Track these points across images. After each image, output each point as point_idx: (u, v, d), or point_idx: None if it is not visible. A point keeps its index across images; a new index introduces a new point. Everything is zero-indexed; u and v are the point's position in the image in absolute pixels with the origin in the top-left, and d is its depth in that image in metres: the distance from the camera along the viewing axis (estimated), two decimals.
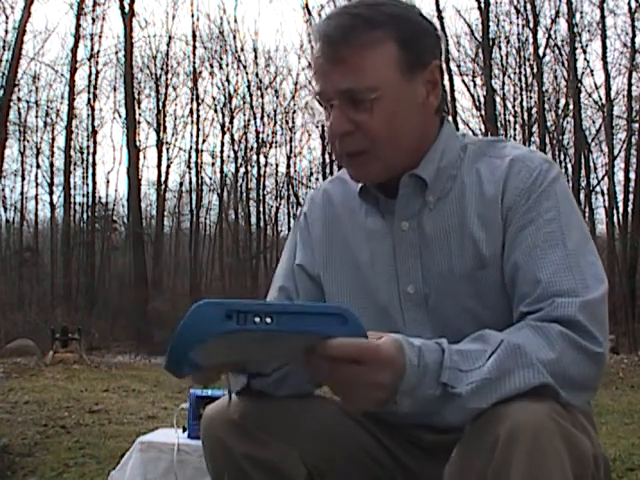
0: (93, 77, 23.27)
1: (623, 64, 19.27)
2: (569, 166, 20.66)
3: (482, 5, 19.84)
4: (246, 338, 0.96)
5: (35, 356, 11.88)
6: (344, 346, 0.96)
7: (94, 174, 23.70)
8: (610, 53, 19.54)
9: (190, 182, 24.04)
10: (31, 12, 19.78)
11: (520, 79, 21.57)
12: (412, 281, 1.26)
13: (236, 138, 23.22)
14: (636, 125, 18.67)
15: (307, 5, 21.54)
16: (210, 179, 24.05)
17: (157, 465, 2.72)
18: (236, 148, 23.05)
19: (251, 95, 23.01)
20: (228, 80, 23.22)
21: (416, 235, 1.26)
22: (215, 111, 23.63)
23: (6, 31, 21.22)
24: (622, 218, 18.84)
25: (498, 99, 21.06)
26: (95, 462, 4.22)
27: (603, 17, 18.82)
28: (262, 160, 22.94)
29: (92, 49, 23.13)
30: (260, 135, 22.92)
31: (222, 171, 23.40)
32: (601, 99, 19.45)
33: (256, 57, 23.29)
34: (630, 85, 18.86)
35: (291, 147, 23.00)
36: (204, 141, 24.20)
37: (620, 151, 19.00)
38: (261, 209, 23.05)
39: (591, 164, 19.91)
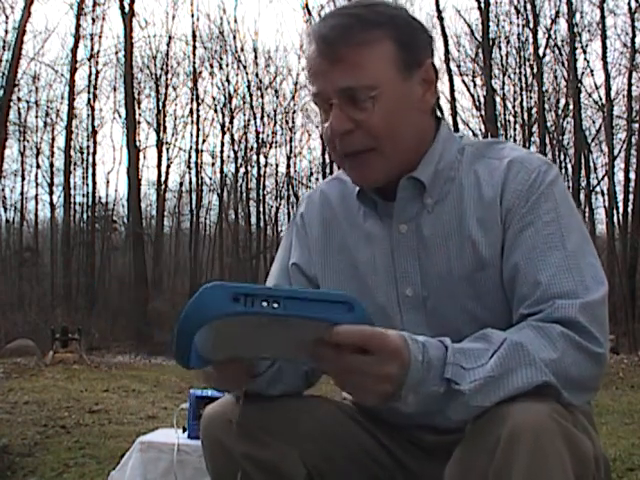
0: (93, 77, 23.32)
1: (623, 64, 19.30)
2: (569, 166, 20.68)
3: (482, 5, 19.85)
4: (251, 325, 0.95)
5: (35, 356, 11.88)
6: (350, 333, 0.95)
7: (94, 174, 23.76)
8: (610, 53, 19.61)
9: (190, 182, 24.10)
10: (31, 12, 19.81)
11: (520, 79, 21.59)
12: (410, 284, 1.26)
13: (236, 138, 23.25)
14: (636, 125, 18.68)
15: (307, 5, 21.59)
16: (210, 179, 24.09)
17: (157, 465, 2.71)
18: (236, 148, 23.08)
19: (251, 95, 23.04)
20: (228, 80, 23.25)
21: (414, 238, 1.26)
22: (215, 111, 23.67)
23: (6, 31, 21.28)
24: (622, 218, 18.85)
25: (498, 99, 21.09)
26: (95, 462, 4.22)
27: (603, 17, 18.84)
28: (262, 160, 22.99)
29: (92, 49, 23.18)
30: (260, 135, 22.95)
31: (222, 171, 23.44)
32: (601, 99, 19.48)
33: (256, 57, 23.34)
34: (630, 85, 18.88)
35: (291, 147, 23.04)
36: (204, 141, 24.24)
37: (620, 151, 19.02)
38: (261, 209, 23.09)
39: (591, 164, 19.93)
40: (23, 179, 23.49)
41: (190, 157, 23.73)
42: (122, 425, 5.66)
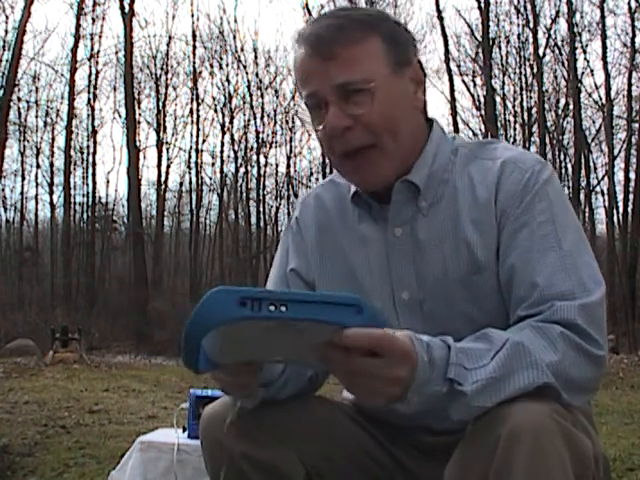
0: (93, 77, 23.31)
1: (623, 64, 19.29)
2: (569, 166, 20.68)
3: (482, 5, 19.85)
4: (259, 329, 0.95)
5: (35, 356, 11.88)
6: (359, 336, 0.94)
7: (94, 174, 23.75)
8: (610, 53, 19.56)
9: (190, 182, 24.09)
10: (31, 12, 19.80)
11: (520, 79, 21.59)
12: (406, 287, 1.26)
13: (236, 138, 23.24)
14: (636, 125, 18.67)
15: (307, 5, 21.57)
16: (210, 179, 24.08)
17: (157, 465, 2.72)
18: (236, 148, 23.07)
19: (251, 95, 23.02)
20: (228, 80, 23.24)
21: (410, 241, 1.26)
22: (215, 111, 23.66)
23: (6, 31, 21.26)
24: (622, 218, 18.84)
25: (498, 99, 21.09)
26: (95, 462, 4.22)
27: (603, 17, 18.84)
28: (262, 160, 22.97)
29: (92, 49, 23.17)
30: (260, 135, 22.93)
31: (222, 171, 23.43)
32: (601, 99, 19.47)
33: (256, 57, 23.30)
34: (630, 85, 18.87)
35: (291, 147, 23.03)
36: (204, 141, 24.22)
37: (620, 151, 19.01)
38: (261, 209, 23.08)
39: (591, 164, 19.92)
40: (23, 179, 23.52)
41: (190, 157, 23.76)
42: (122, 425, 5.66)
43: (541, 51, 20.03)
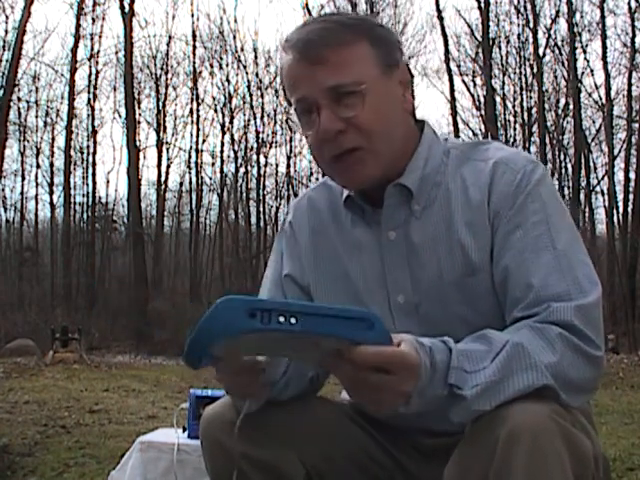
0: (93, 77, 23.30)
1: (623, 64, 19.30)
2: (569, 166, 20.68)
3: (482, 5, 19.86)
4: (266, 337, 0.94)
5: (35, 356, 11.88)
6: (370, 355, 0.94)
7: (94, 174, 23.74)
8: (610, 53, 19.54)
9: (190, 182, 24.08)
10: (31, 12, 19.80)
11: (520, 79, 21.58)
12: (401, 290, 1.26)
13: (236, 138, 23.23)
14: (636, 125, 18.68)
15: (307, 5, 21.59)
16: (210, 179, 24.08)
17: (157, 465, 2.72)
18: (236, 148, 23.06)
19: (251, 95, 23.02)
20: (228, 80, 23.23)
21: (404, 244, 1.26)
22: (215, 111, 23.65)
23: (6, 31, 21.25)
24: (622, 218, 18.84)
25: (498, 99, 21.09)
26: (95, 462, 4.22)
27: (603, 17, 18.85)
28: (262, 160, 22.96)
29: (92, 49, 23.16)
30: (260, 135, 22.93)
31: (222, 171, 23.42)
32: (601, 99, 19.47)
33: (256, 57, 23.29)
34: (630, 85, 18.88)
35: (291, 147, 23.01)
36: (204, 141, 24.20)
37: (620, 151, 19.02)
38: (261, 209, 23.08)
39: (591, 164, 19.92)
40: (23, 179, 23.51)
41: (190, 157, 23.75)
42: (122, 425, 5.66)
43: (541, 51, 20.06)
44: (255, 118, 22.87)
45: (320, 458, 1.25)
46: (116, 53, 23.08)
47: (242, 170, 23.13)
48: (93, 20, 23.02)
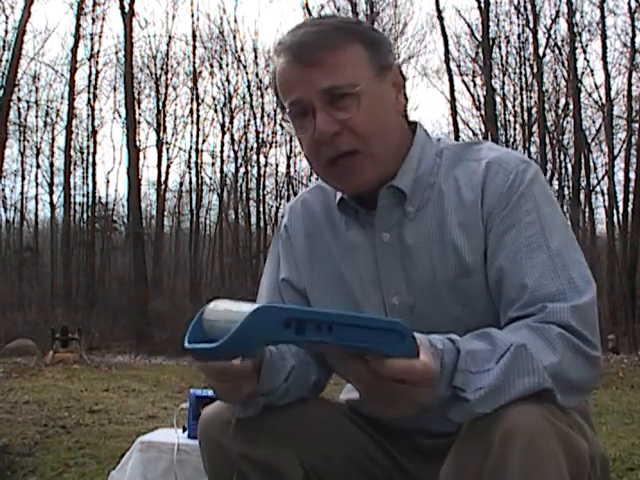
0: (93, 77, 23.30)
1: (623, 64, 19.30)
2: (569, 166, 20.68)
3: (482, 5, 19.86)
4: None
5: (35, 356, 11.88)
6: (399, 369, 0.93)
7: (94, 174, 23.74)
8: (610, 53, 19.54)
9: (190, 182, 24.08)
10: (31, 12, 19.80)
11: (520, 79, 21.58)
12: (396, 292, 1.26)
13: (236, 138, 23.23)
14: (636, 125, 18.68)
15: (307, 5, 21.63)
16: (210, 179, 24.08)
17: (157, 465, 2.72)
18: (236, 148, 23.06)
19: (251, 95, 23.03)
20: (228, 80, 23.23)
21: (397, 246, 1.26)
22: (215, 111, 23.65)
23: (6, 31, 21.25)
24: (622, 218, 18.85)
25: (498, 99, 21.09)
26: (95, 462, 4.22)
27: (603, 17, 18.86)
28: (262, 160, 22.96)
29: (92, 49, 23.16)
30: (260, 135, 22.93)
31: (222, 171, 23.42)
32: (601, 99, 19.48)
33: (256, 57, 23.30)
34: (630, 85, 18.89)
35: (291, 147, 23.00)
36: (204, 141, 24.20)
37: (620, 151, 19.02)
38: (261, 209, 23.08)
39: (591, 164, 19.92)
40: (23, 179, 23.51)
41: (190, 157, 23.75)
42: (122, 425, 5.66)
43: (541, 51, 20.06)
44: (255, 118, 22.90)
45: (319, 458, 1.25)
46: (116, 53, 23.11)
47: (242, 170, 23.15)
48: (93, 20, 23.04)
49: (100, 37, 23.23)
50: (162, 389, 8.33)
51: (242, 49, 23.38)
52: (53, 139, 23.65)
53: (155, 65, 23.67)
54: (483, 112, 20.68)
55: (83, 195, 23.68)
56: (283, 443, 1.22)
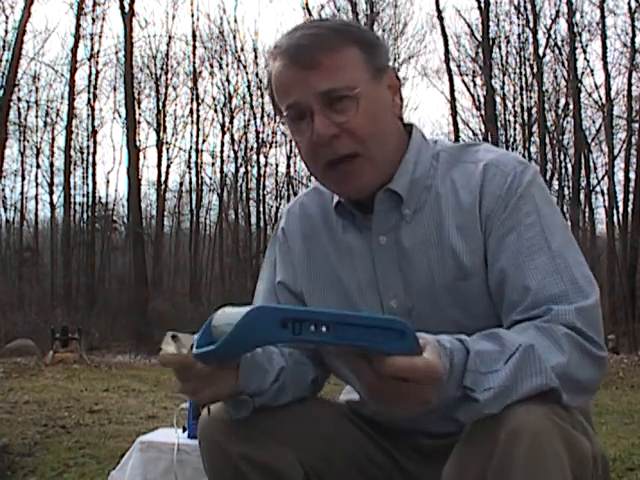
0: (93, 77, 23.31)
1: (623, 64, 19.32)
2: (569, 166, 20.69)
3: (482, 5, 19.87)
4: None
5: (35, 356, 11.88)
6: (400, 367, 0.92)
7: (94, 174, 23.75)
8: (610, 53, 19.56)
9: (190, 182, 24.09)
10: (31, 12, 19.80)
11: (520, 79, 21.59)
12: (394, 295, 1.26)
13: (236, 138, 23.24)
14: (636, 125, 18.69)
15: (307, 5, 21.63)
16: (210, 179, 24.09)
17: (157, 465, 2.71)
18: (236, 148, 23.07)
19: (251, 95, 23.04)
20: (228, 80, 23.24)
21: (395, 249, 1.25)
22: (215, 111, 23.65)
23: (6, 31, 21.26)
24: (622, 218, 18.85)
25: (498, 99, 21.10)
26: (95, 462, 4.22)
27: (603, 17, 18.87)
28: (262, 160, 22.98)
29: (92, 49, 23.17)
30: (260, 135, 22.94)
31: (222, 171, 23.43)
32: (601, 99, 19.49)
33: (256, 57, 23.28)
34: (630, 85, 18.89)
35: (291, 147, 22.96)
36: (204, 141, 24.22)
37: (620, 151, 19.03)
38: (261, 209, 23.09)
39: (591, 164, 19.93)
40: (23, 179, 23.52)
41: (190, 157, 23.77)
42: (122, 425, 5.65)
43: (541, 51, 20.07)
44: (255, 118, 22.90)
45: (319, 459, 1.24)
46: (116, 53, 23.12)
47: (242, 170, 23.16)
48: (93, 20, 23.05)
49: (100, 37, 23.29)
50: (162, 389, 8.32)
51: (242, 49, 23.41)
52: (53, 139, 23.70)
53: (155, 65, 23.70)
54: (483, 112, 20.68)
55: (83, 195, 23.73)
56: (283, 443, 1.22)
